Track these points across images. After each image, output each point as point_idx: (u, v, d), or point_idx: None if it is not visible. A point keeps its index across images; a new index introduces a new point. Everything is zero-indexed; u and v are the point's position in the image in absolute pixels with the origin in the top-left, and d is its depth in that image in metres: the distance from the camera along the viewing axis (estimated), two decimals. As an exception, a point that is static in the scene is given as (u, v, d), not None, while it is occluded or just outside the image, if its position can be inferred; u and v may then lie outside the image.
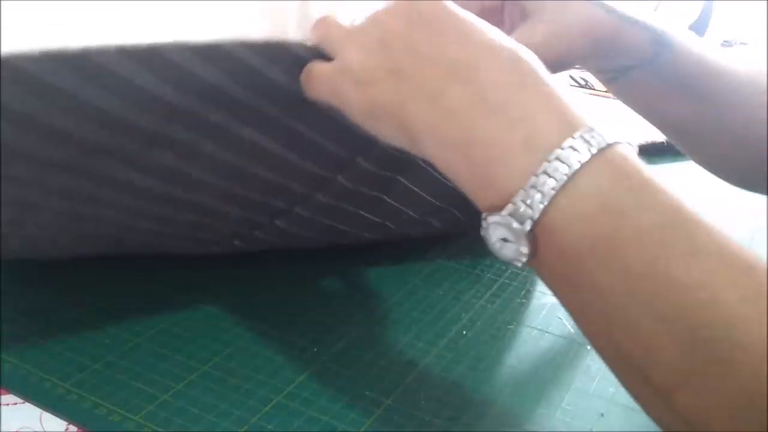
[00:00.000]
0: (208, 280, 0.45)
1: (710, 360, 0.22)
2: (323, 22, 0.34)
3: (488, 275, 0.48)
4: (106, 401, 0.34)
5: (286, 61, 0.33)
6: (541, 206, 0.25)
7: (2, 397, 0.34)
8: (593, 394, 0.37)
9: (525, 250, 0.26)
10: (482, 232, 0.27)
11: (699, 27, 1.28)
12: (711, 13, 1.27)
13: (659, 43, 0.42)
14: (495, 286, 0.47)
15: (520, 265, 0.27)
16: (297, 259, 0.48)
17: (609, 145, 0.25)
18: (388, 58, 0.30)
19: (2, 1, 0.83)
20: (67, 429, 0.33)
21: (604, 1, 0.41)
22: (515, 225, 0.25)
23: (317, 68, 0.33)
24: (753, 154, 0.44)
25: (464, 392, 0.36)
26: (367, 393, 0.36)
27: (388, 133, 0.31)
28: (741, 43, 1.29)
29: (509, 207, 0.26)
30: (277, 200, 0.40)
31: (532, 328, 0.42)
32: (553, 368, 0.39)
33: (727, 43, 1.28)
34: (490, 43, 0.29)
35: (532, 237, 0.26)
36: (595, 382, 0.37)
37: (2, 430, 0.32)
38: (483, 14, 0.41)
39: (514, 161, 0.26)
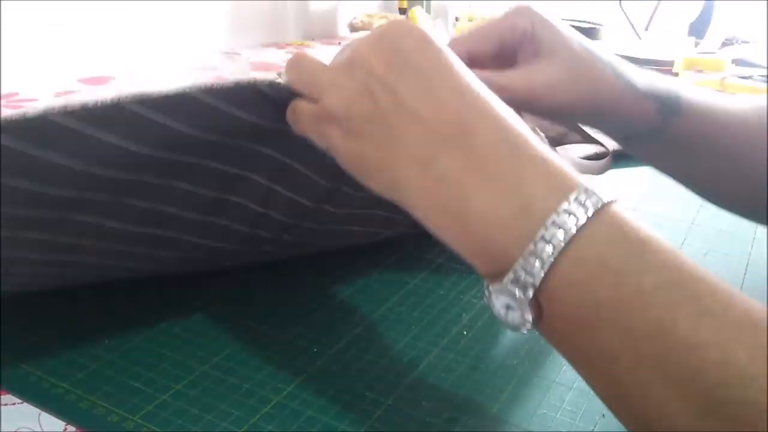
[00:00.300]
0: (207, 280, 0.45)
1: (727, 422, 0.22)
2: (298, 63, 0.32)
3: (489, 275, 0.48)
4: (105, 401, 0.34)
5: (255, 103, 0.32)
6: (542, 273, 0.25)
7: (1, 397, 0.34)
8: (594, 395, 0.36)
9: (529, 316, 0.26)
10: (485, 300, 0.27)
11: (699, 26, 1.28)
12: (711, 13, 1.26)
13: (666, 110, 0.41)
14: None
15: (526, 331, 0.27)
16: (297, 260, 0.48)
17: (604, 206, 0.25)
18: (374, 107, 0.29)
19: (2, 1, 0.83)
20: (65, 429, 0.32)
21: (615, 64, 0.41)
22: (517, 293, 0.25)
23: (301, 108, 0.32)
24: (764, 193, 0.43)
25: (464, 392, 0.36)
26: (367, 393, 0.36)
27: (376, 187, 0.30)
28: (742, 42, 1.29)
29: (510, 275, 0.25)
30: (263, 230, 0.40)
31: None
32: (554, 368, 0.38)
33: (728, 42, 1.28)
34: (482, 106, 0.28)
35: (536, 303, 0.26)
36: (596, 383, 0.37)
37: (1, 430, 0.32)
38: (501, 50, 0.41)
39: (510, 230, 0.26)
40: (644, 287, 0.24)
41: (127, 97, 0.30)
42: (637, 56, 1.14)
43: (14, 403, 0.34)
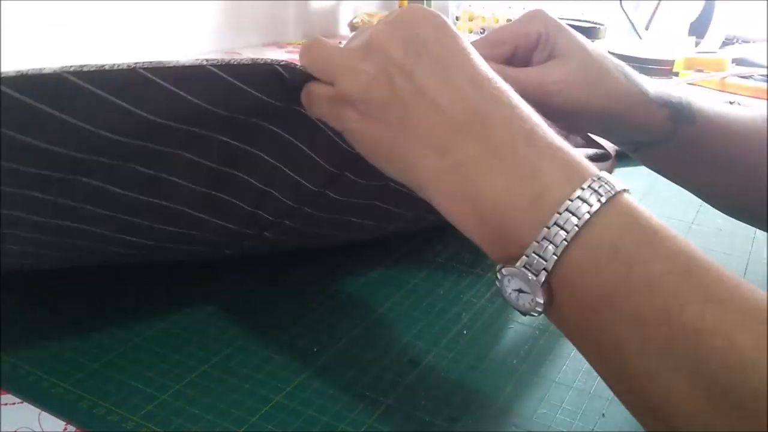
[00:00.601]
0: (207, 280, 0.45)
1: (731, 407, 0.22)
2: (314, 47, 0.33)
3: (488, 275, 0.48)
4: (105, 401, 0.34)
5: (269, 83, 0.32)
6: (554, 258, 0.25)
7: (1, 397, 0.34)
8: (594, 394, 0.36)
9: (540, 300, 0.26)
10: (497, 284, 0.28)
11: (699, 26, 1.28)
12: (712, 12, 1.26)
13: (678, 117, 0.41)
14: (495, 286, 0.46)
15: (536, 315, 0.27)
16: (297, 259, 0.48)
17: (616, 194, 0.26)
18: (391, 92, 0.29)
19: (2, 1, 0.83)
20: (65, 429, 0.32)
21: (627, 71, 0.41)
22: (530, 276, 0.26)
23: (317, 91, 0.32)
24: None
25: (464, 392, 0.36)
26: (367, 393, 0.36)
27: (391, 172, 0.30)
28: (742, 41, 1.29)
29: (523, 259, 0.26)
30: (265, 212, 0.40)
31: (533, 327, 0.42)
32: (554, 368, 0.38)
33: (728, 41, 1.28)
34: (498, 95, 0.29)
35: (547, 288, 0.26)
36: (597, 382, 0.37)
37: (1, 430, 0.32)
38: (515, 55, 0.41)
39: (525, 215, 0.26)
40: (653, 274, 0.24)
41: (143, 64, 0.30)
42: (637, 56, 1.14)
43: (14, 403, 0.34)
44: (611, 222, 0.25)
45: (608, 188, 0.26)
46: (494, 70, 0.30)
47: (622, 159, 0.61)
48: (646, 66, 1.12)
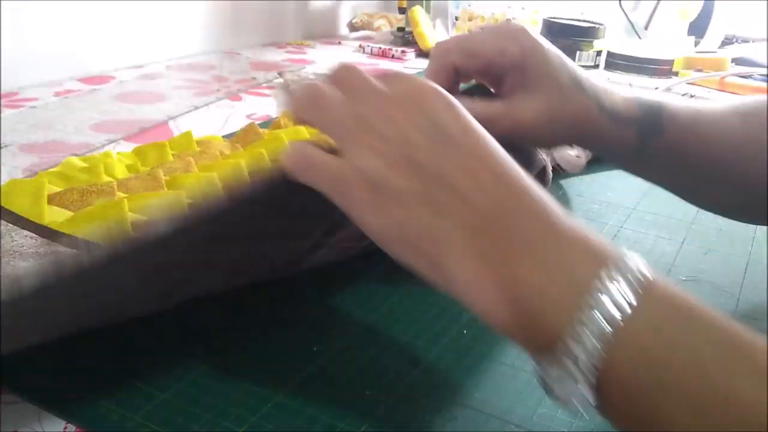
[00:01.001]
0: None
1: None
2: (320, 108, 0.31)
3: (488, 274, 0.48)
4: (105, 400, 0.34)
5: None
6: (593, 341, 0.25)
7: (1, 396, 0.34)
8: (594, 394, 0.36)
9: (583, 387, 0.25)
10: (536, 376, 0.27)
11: (699, 26, 1.28)
12: (711, 12, 1.27)
13: (646, 131, 0.42)
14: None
15: (582, 410, 0.26)
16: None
17: (647, 276, 0.25)
18: (420, 183, 0.28)
19: (2, 1, 0.83)
20: (65, 428, 0.32)
21: (599, 95, 0.41)
22: (572, 367, 0.25)
23: (319, 158, 0.30)
24: (756, 199, 0.43)
25: (464, 392, 0.36)
26: (367, 393, 0.36)
27: (411, 262, 0.29)
28: (742, 40, 1.29)
29: (564, 349, 0.25)
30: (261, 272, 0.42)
31: (533, 327, 0.42)
32: (553, 367, 0.38)
33: (727, 41, 1.28)
34: (521, 185, 0.28)
35: (590, 377, 0.25)
36: (596, 382, 0.37)
37: (1, 430, 0.32)
38: (489, 68, 0.41)
39: (561, 304, 0.26)
40: (698, 350, 0.24)
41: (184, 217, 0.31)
42: (636, 56, 1.14)
43: (14, 403, 0.34)
44: (651, 305, 0.25)
45: (634, 269, 0.25)
46: (467, 108, 0.30)
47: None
48: (645, 66, 1.12)
